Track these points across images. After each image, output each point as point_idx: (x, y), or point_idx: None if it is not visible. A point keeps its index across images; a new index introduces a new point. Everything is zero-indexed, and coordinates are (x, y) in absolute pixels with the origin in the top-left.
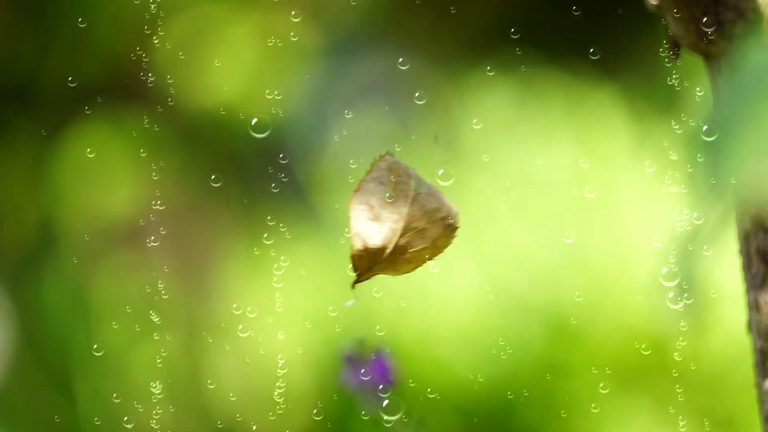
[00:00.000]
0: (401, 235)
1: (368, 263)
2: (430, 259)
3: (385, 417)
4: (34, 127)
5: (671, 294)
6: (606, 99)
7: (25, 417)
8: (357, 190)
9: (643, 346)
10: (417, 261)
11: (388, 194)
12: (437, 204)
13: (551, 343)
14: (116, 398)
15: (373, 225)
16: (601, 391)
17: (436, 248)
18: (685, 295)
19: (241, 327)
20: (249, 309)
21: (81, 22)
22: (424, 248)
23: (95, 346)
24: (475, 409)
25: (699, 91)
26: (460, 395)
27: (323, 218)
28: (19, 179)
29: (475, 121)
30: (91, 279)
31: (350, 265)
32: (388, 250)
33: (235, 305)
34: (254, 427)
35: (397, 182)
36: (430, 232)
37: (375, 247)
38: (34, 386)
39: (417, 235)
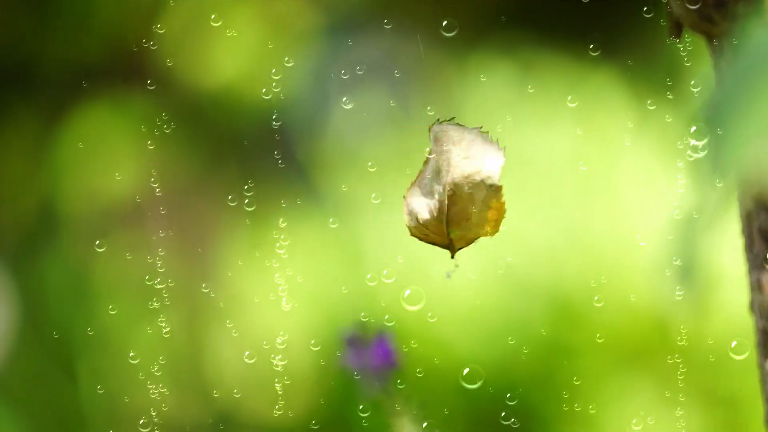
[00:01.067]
0: (451, 204)
1: (435, 235)
2: (499, 219)
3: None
4: (36, 109)
5: (673, 274)
6: (606, 80)
7: (26, 397)
8: (424, 164)
9: (646, 322)
10: (489, 223)
11: (434, 166)
12: (476, 167)
13: (553, 323)
14: (117, 379)
15: (423, 200)
16: (603, 371)
17: (493, 209)
18: (687, 275)
19: (242, 308)
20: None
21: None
22: (482, 210)
23: (89, 329)
24: (477, 389)
25: (701, 72)
26: (462, 376)
27: (324, 198)
28: (20, 161)
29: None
30: (93, 260)
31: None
32: (443, 220)
33: (235, 288)
34: (254, 408)
35: (441, 152)
36: (477, 195)
37: (425, 219)
38: (36, 366)
39: (468, 200)
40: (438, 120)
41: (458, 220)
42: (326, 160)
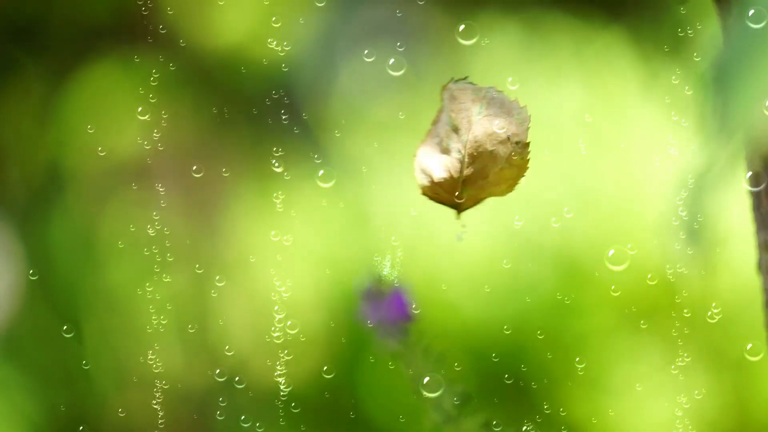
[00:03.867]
0: (471, 162)
1: (447, 194)
2: (517, 177)
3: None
4: (43, 67)
5: (681, 234)
6: (613, 40)
7: (33, 355)
8: (433, 123)
9: (654, 282)
10: (506, 182)
11: (451, 125)
12: (502, 123)
13: (561, 283)
14: (123, 338)
15: (438, 158)
16: (611, 331)
17: (516, 167)
18: (694, 235)
19: (251, 260)
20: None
21: None
22: (503, 168)
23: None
24: (485, 350)
25: (708, 32)
26: (470, 337)
27: (331, 157)
28: (27, 119)
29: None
30: (100, 219)
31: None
32: (460, 179)
33: (241, 247)
34: (262, 367)
35: (459, 110)
36: (500, 152)
37: (441, 178)
38: (43, 325)
39: (489, 158)
40: (453, 79)
41: (475, 178)
42: (333, 119)
